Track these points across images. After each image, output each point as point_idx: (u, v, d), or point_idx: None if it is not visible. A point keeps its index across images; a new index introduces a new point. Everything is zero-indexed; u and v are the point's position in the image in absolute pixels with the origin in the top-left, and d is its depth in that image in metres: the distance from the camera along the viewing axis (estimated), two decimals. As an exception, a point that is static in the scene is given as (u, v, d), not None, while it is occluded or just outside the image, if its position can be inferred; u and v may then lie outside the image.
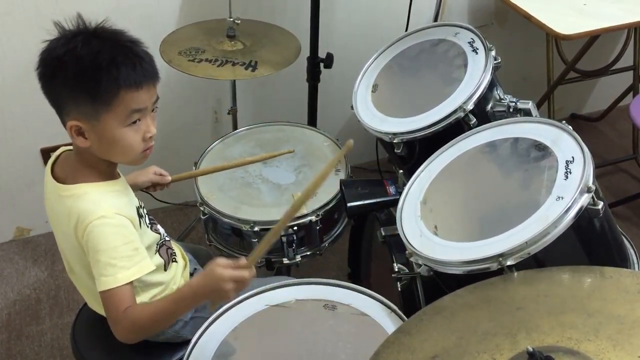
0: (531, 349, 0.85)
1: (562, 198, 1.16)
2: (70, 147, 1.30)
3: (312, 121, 2.27)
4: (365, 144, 2.25)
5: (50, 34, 1.17)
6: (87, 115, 1.16)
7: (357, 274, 1.98)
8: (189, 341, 1.42)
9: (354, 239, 1.91)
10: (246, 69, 1.80)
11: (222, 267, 1.16)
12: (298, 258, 1.69)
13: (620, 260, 1.30)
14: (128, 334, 1.24)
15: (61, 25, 1.17)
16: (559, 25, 1.97)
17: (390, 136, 1.57)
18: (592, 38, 2.31)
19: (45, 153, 2.27)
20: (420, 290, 1.47)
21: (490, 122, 1.47)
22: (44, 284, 2.27)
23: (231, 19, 1.91)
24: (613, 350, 0.86)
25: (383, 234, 1.57)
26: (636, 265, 1.33)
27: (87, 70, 1.13)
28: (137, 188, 1.52)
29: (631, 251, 1.36)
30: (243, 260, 1.17)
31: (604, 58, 2.75)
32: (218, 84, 2.27)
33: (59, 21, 1.17)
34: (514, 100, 1.55)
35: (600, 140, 2.89)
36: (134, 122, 1.19)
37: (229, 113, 2.16)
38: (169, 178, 1.55)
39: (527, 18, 2.05)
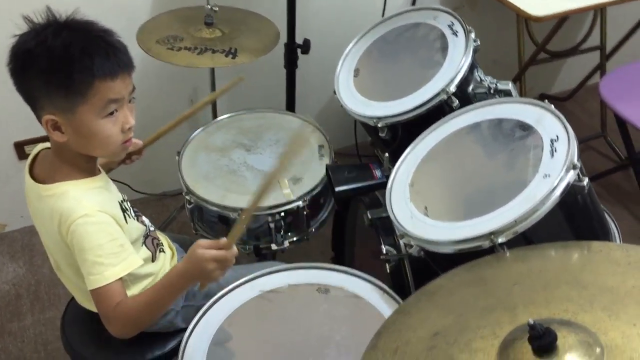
0: (532, 322, 0.87)
1: (548, 176, 1.19)
2: (48, 146, 1.28)
3: (290, 107, 2.27)
4: (342, 129, 2.26)
5: (19, 28, 1.15)
6: (62, 109, 1.14)
7: (342, 257, 2.00)
8: (181, 330, 1.44)
9: (338, 223, 1.93)
10: (226, 56, 1.79)
11: (204, 248, 1.17)
12: (286, 244, 1.71)
13: (603, 234, 1.35)
14: (122, 328, 1.24)
15: (30, 18, 1.15)
16: (531, 7, 2.00)
17: (374, 120, 1.59)
18: (562, 19, 2.36)
19: (19, 147, 2.23)
20: (409, 270, 1.50)
21: (472, 103, 1.50)
22: (23, 279, 2.24)
23: (209, 6, 1.89)
24: (608, 320, 0.89)
25: (370, 217, 1.59)
26: (617, 240, 1.38)
27: (59, 62, 1.11)
28: (114, 163, 1.49)
29: (612, 225, 1.40)
30: (223, 240, 1.18)
31: (572, 39, 2.81)
32: (193, 72, 2.25)
33: (27, 15, 1.15)
34: (494, 81, 1.58)
35: (569, 119, 2.90)
36: (111, 114, 1.17)
37: (208, 101, 2.14)
38: (141, 143, 1.51)
39: (499, 0, 2.08)
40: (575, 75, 2.95)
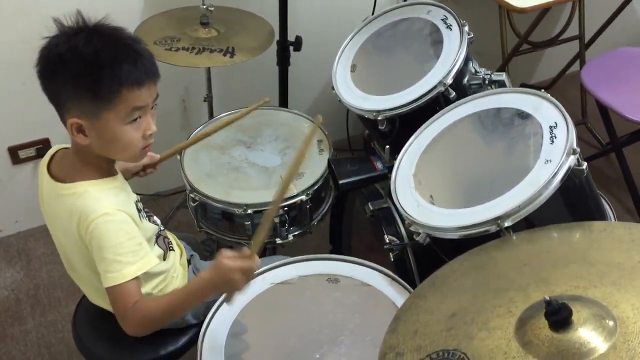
0: (548, 298, 0.91)
1: (550, 161, 1.24)
2: (65, 146, 1.31)
3: (283, 104, 2.30)
4: (333, 124, 2.29)
5: (49, 30, 1.16)
6: (88, 113, 1.17)
7: (339, 249, 2.04)
8: (192, 326, 1.46)
9: (335, 215, 1.96)
10: (224, 55, 1.82)
11: (228, 259, 1.19)
12: (290, 237, 1.74)
13: (600, 216, 1.40)
14: (137, 327, 1.27)
15: (60, 21, 1.17)
16: (515, -1, 2.06)
17: (374, 114, 1.63)
18: (544, 10, 2.42)
19: (13, 152, 2.22)
20: (412, 258, 1.55)
21: (468, 95, 1.54)
22: (21, 284, 2.23)
23: (204, 6, 1.91)
24: (618, 293, 0.94)
25: (371, 208, 1.63)
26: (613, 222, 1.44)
27: (90, 68, 1.14)
28: (128, 173, 1.52)
29: (607, 208, 1.46)
30: (246, 250, 1.21)
31: (551, 29, 2.88)
32: (185, 72, 2.26)
33: (58, 17, 1.17)
34: (488, 72, 1.63)
35: (550, 108, 3.01)
36: (135, 120, 1.20)
37: (205, 100, 2.16)
38: (157, 156, 1.55)
39: (483, -7, 2.13)
40: (555, 65, 3.02)
